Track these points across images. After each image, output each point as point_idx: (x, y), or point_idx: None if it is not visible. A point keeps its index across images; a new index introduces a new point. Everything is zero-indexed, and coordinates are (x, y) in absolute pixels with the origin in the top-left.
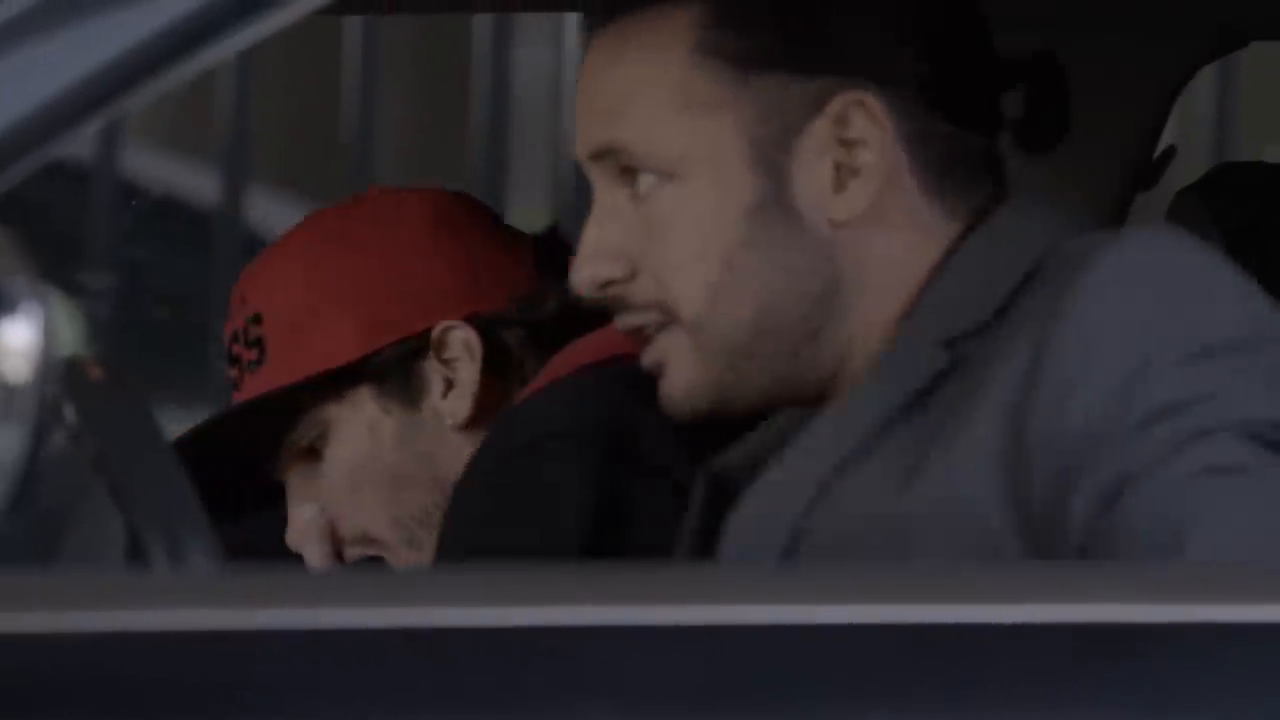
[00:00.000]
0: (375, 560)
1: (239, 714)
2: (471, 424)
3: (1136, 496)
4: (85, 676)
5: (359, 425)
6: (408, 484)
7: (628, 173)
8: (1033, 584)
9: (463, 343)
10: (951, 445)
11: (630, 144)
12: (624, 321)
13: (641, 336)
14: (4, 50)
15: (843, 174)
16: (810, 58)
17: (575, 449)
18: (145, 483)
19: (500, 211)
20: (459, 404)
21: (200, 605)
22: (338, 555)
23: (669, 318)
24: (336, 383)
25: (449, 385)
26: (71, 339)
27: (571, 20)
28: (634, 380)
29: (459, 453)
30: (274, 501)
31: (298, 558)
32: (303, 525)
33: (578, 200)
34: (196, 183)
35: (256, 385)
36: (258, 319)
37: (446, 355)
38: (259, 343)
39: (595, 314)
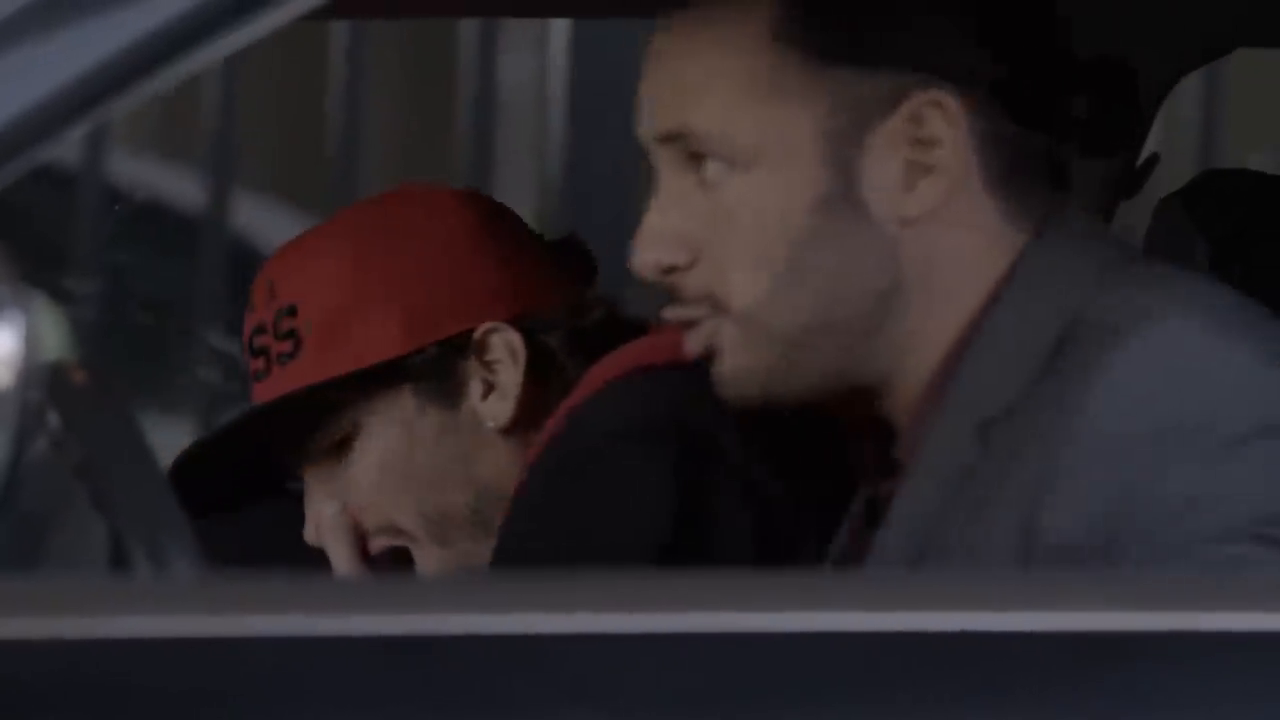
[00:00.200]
0: (400, 552)
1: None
2: (513, 427)
3: None
4: (68, 682)
5: (394, 424)
6: (442, 484)
7: (695, 158)
8: (1030, 592)
9: (506, 345)
10: (972, 542)
11: (702, 130)
12: (675, 312)
13: (690, 327)
14: None
15: (914, 172)
16: (888, 54)
17: (652, 450)
18: (128, 488)
19: None
20: (501, 406)
21: (183, 611)
22: (362, 550)
23: (719, 311)
24: (375, 380)
25: (489, 387)
26: (55, 344)
27: (557, 27)
28: (700, 382)
29: (497, 455)
30: (265, 496)
31: (304, 556)
32: (325, 521)
33: (563, 207)
34: (182, 188)
35: (290, 379)
36: (292, 311)
37: (488, 357)
38: (293, 335)
39: (636, 325)
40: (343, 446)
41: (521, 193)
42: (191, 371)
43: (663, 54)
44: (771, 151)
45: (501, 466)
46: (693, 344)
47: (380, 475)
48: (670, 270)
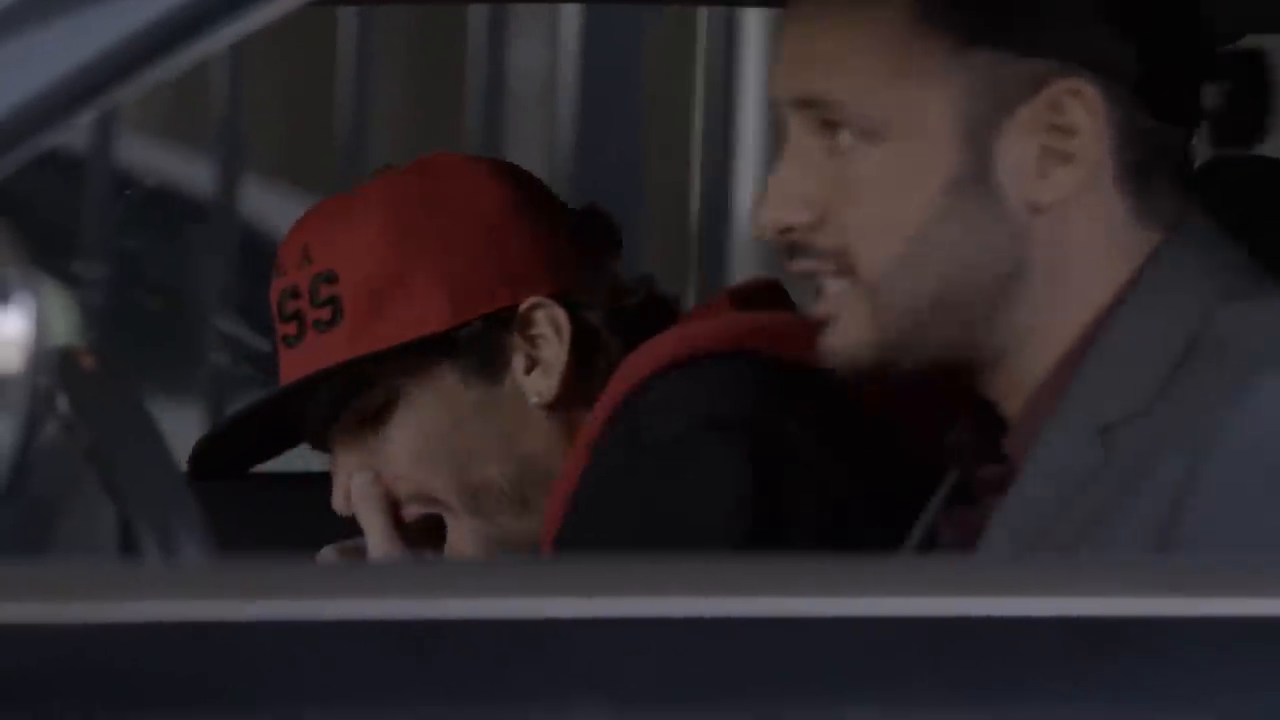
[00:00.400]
0: (433, 519)
1: (231, 704)
2: (556, 403)
3: None
4: (77, 667)
5: (435, 396)
6: (482, 457)
7: (829, 125)
8: (1028, 578)
9: (550, 320)
10: (1095, 544)
11: (840, 100)
12: (799, 264)
13: (813, 280)
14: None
15: (1049, 159)
16: (1031, 39)
17: (735, 438)
18: (138, 473)
19: None
20: (545, 382)
21: (192, 596)
22: (395, 518)
23: (846, 270)
24: (416, 352)
25: (532, 363)
26: (64, 329)
27: (568, 13)
28: (773, 373)
29: (538, 430)
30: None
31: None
32: (357, 489)
33: (572, 194)
34: (190, 173)
35: (329, 347)
36: (331, 278)
37: (532, 332)
38: (333, 302)
39: (673, 310)
40: (378, 417)
41: None
42: (200, 356)
43: (804, 16)
44: (908, 127)
45: (542, 442)
46: (818, 310)
47: (420, 448)
48: (788, 230)
